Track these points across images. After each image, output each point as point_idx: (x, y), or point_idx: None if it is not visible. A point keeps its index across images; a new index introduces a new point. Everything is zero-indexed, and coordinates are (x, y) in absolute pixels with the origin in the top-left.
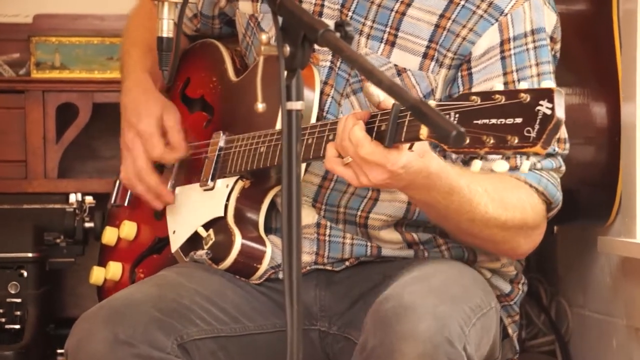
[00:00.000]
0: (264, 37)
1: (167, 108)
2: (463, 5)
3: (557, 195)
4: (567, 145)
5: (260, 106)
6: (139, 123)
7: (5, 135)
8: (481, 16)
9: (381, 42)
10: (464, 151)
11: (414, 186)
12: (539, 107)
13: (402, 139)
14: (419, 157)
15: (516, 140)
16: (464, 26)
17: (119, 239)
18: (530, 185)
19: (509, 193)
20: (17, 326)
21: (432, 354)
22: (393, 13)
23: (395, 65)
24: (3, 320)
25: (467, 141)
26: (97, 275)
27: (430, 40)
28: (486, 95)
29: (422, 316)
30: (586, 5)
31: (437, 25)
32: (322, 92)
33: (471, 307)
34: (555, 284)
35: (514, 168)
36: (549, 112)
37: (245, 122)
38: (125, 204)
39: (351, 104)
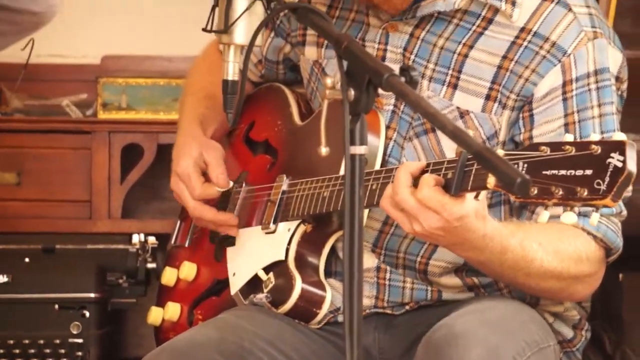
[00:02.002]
0: (328, 81)
1: (206, 147)
2: (526, 46)
3: (617, 241)
4: (630, 189)
5: (323, 150)
6: (177, 166)
7: (70, 175)
8: (544, 57)
9: (443, 84)
10: (532, 201)
11: (467, 245)
12: (610, 160)
13: (469, 187)
14: (476, 217)
15: (586, 193)
16: (526, 67)
17: (178, 279)
18: (589, 233)
19: (564, 243)
20: None
21: None
22: (455, 55)
23: (458, 107)
24: None
25: (535, 191)
26: (155, 315)
27: (493, 82)
28: (556, 145)
29: (473, 344)
30: None
31: (499, 67)
32: (385, 137)
33: (527, 342)
34: (620, 332)
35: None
36: (620, 164)
37: (309, 166)
38: (186, 244)
39: (414, 147)
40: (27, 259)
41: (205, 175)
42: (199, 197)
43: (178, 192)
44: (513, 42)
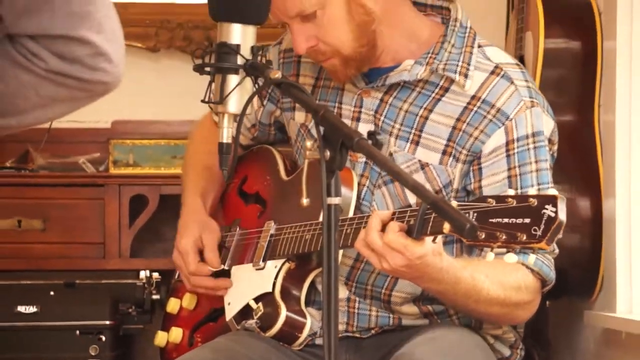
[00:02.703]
0: (308, 143)
1: (206, 229)
2: (476, 111)
3: (551, 274)
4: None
5: (305, 201)
6: (179, 243)
7: (86, 221)
8: (490, 120)
9: (407, 141)
10: (480, 244)
11: (427, 278)
12: (544, 211)
13: (428, 232)
14: (433, 255)
15: (525, 237)
16: (476, 128)
17: (181, 308)
18: (527, 267)
19: (507, 276)
20: None
21: None
22: (418, 117)
23: (419, 160)
24: None
25: (483, 236)
26: (161, 338)
27: (449, 140)
28: (500, 198)
29: None
30: (574, 117)
31: (454, 127)
32: (359, 183)
33: None
34: (547, 350)
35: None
36: (553, 214)
37: (292, 214)
38: None
39: (382, 193)
40: (52, 292)
41: (201, 254)
42: (192, 274)
43: (178, 264)
44: (465, 107)
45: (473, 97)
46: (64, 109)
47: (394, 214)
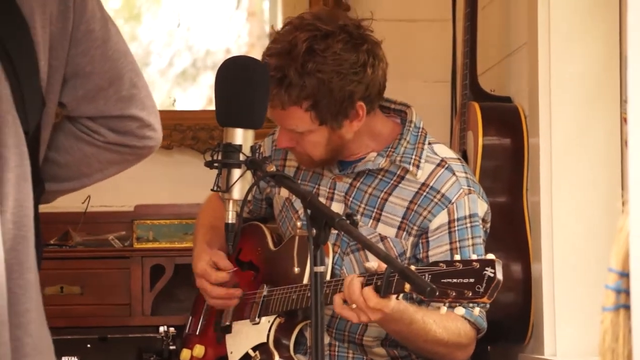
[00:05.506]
0: (299, 224)
1: (214, 254)
2: (425, 195)
3: (484, 324)
4: None
5: (296, 269)
6: (196, 268)
7: (116, 287)
8: (436, 203)
9: (370, 218)
10: (434, 300)
11: (389, 320)
12: (485, 272)
13: (392, 291)
14: (397, 301)
15: (470, 294)
16: (425, 209)
17: (191, 356)
18: (465, 318)
19: (450, 323)
20: None
21: None
22: (379, 199)
23: (380, 234)
24: None
25: (437, 293)
26: None
27: (403, 218)
28: (450, 263)
29: None
30: (507, 199)
31: (407, 208)
32: (332, 251)
33: None
34: None
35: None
36: (492, 275)
37: (281, 278)
38: (197, 332)
39: (350, 260)
40: (88, 345)
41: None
42: (215, 282)
43: (201, 286)
44: (417, 192)
45: (423, 184)
46: (118, 169)
47: (366, 277)
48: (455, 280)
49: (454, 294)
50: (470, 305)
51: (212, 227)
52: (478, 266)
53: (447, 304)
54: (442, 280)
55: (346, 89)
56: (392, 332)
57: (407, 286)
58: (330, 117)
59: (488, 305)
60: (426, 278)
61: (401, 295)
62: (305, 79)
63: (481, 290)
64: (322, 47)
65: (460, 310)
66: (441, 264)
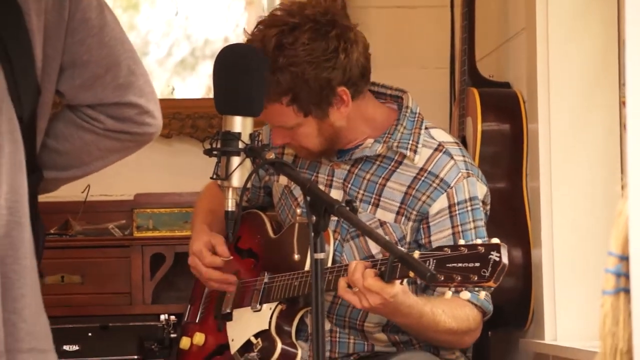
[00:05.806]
0: (298, 211)
1: (212, 235)
2: (423, 180)
3: (490, 307)
4: None
5: (297, 257)
6: (192, 247)
7: (116, 276)
8: (435, 188)
9: (369, 204)
10: (440, 285)
11: (398, 314)
12: (490, 256)
13: (397, 276)
14: (403, 293)
15: (476, 278)
16: (423, 194)
17: (191, 344)
18: (471, 302)
19: (458, 310)
20: None
21: None
22: (377, 185)
23: (379, 219)
24: None
25: (442, 278)
26: None
27: (402, 203)
28: (454, 247)
29: None
30: (506, 184)
31: (406, 193)
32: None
33: None
34: None
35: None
36: (497, 259)
37: (282, 265)
38: (197, 320)
39: (350, 246)
40: (90, 334)
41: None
42: (208, 265)
43: (194, 265)
44: (415, 177)
45: (421, 169)
46: (118, 157)
47: (369, 262)
48: (460, 264)
49: (459, 278)
50: (476, 289)
51: (211, 210)
52: (483, 250)
53: (452, 289)
54: (447, 265)
55: (321, 76)
56: (402, 326)
57: (411, 272)
58: (314, 107)
59: (492, 288)
60: (431, 263)
61: (406, 281)
62: (279, 75)
63: (487, 274)
64: (290, 40)
65: (466, 295)
66: (446, 249)
